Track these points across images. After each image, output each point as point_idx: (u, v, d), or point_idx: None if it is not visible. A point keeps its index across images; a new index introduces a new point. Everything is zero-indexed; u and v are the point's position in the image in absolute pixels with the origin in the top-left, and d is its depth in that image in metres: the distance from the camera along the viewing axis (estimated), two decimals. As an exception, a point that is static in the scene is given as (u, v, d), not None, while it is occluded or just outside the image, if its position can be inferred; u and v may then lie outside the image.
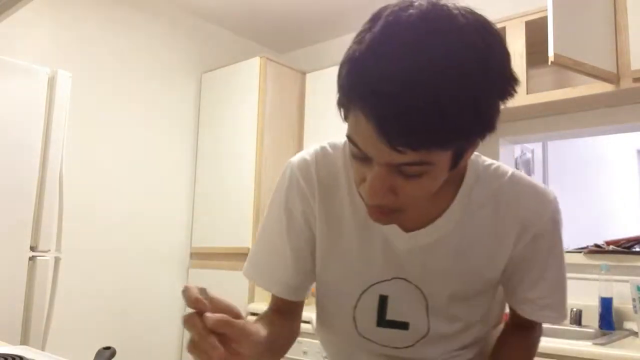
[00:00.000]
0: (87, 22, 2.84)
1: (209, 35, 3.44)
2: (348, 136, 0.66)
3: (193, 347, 0.58)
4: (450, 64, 0.56)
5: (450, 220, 0.80)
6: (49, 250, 2.15)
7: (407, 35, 0.57)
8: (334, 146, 0.87)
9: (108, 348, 1.14)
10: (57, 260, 2.17)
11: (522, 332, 0.92)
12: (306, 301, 0.95)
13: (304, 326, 0.98)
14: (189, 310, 0.59)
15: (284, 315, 0.90)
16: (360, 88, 0.60)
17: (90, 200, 2.77)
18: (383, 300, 0.85)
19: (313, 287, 0.94)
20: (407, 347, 0.87)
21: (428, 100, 0.55)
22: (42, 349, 2.06)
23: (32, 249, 2.11)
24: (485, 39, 0.60)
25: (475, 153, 0.84)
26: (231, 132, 3.13)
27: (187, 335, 0.60)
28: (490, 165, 0.84)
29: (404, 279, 0.83)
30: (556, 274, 0.85)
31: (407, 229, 0.81)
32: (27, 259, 2.09)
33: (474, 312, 0.88)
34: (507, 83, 0.62)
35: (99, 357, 1.11)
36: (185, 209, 3.25)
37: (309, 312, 1.01)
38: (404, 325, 0.85)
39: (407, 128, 0.57)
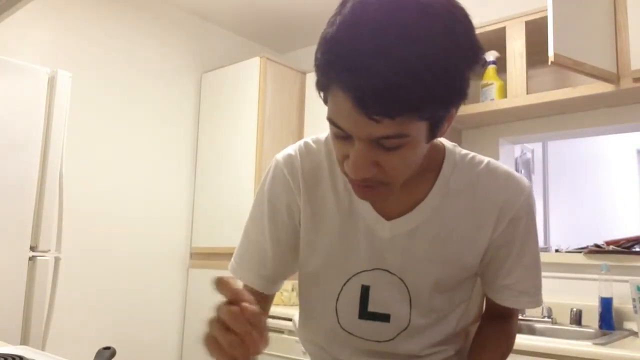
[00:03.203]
0: (87, 22, 2.84)
1: (209, 35, 3.44)
2: (329, 118, 0.69)
3: (223, 338, 0.60)
4: (419, 35, 0.60)
5: (429, 206, 0.83)
6: (49, 250, 2.15)
7: (376, 13, 0.61)
8: (316, 140, 0.90)
9: (108, 348, 1.14)
10: (57, 260, 2.17)
11: (499, 322, 0.94)
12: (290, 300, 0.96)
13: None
14: (218, 300, 0.61)
15: None
16: (336, 65, 0.63)
17: (90, 200, 2.77)
18: (365, 291, 0.86)
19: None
20: (388, 340, 0.87)
21: (400, 70, 0.59)
22: (42, 349, 2.06)
23: (32, 249, 2.11)
24: (449, 11, 0.64)
25: (453, 144, 0.88)
26: (231, 132, 3.13)
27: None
28: (466, 154, 0.87)
29: (386, 271, 0.84)
30: (531, 260, 0.88)
31: (388, 217, 0.83)
32: (27, 259, 2.09)
33: (454, 303, 0.90)
34: (473, 52, 0.66)
35: (99, 357, 1.11)
36: (185, 209, 3.25)
37: (294, 311, 1.01)
38: (385, 317, 0.86)
39: (382, 97, 0.60)
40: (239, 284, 0.62)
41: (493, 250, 0.86)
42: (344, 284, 0.87)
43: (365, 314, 0.87)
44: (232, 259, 0.93)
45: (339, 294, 0.88)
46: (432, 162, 0.84)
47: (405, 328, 0.87)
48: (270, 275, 0.90)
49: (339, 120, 0.67)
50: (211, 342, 0.61)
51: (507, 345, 0.94)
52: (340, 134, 0.68)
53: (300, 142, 0.91)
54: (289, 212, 0.88)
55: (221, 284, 0.61)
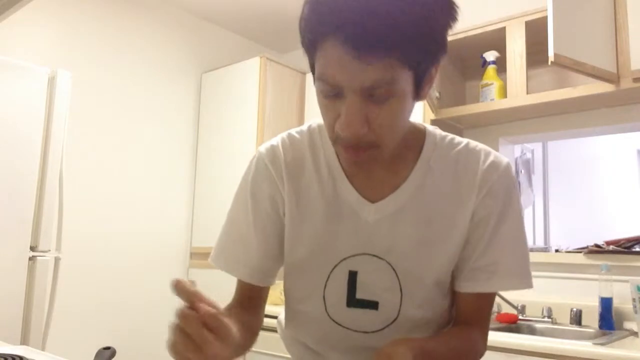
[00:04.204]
0: (87, 22, 2.84)
1: (209, 35, 3.44)
2: (318, 76, 0.71)
3: (181, 344, 0.59)
4: None
5: (412, 186, 0.84)
6: (49, 250, 2.15)
7: None
8: (299, 130, 0.91)
9: (108, 348, 1.14)
10: (57, 260, 2.17)
11: (460, 326, 0.89)
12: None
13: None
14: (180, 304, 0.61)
15: (247, 309, 0.90)
16: (325, 16, 0.67)
17: (90, 200, 2.77)
18: (352, 277, 0.85)
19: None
20: (376, 331, 0.86)
21: (388, 13, 0.64)
22: (42, 349, 2.06)
23: (32, 249, 2.11)
24: None
25: (433, 126, 0.90)
26: (231, 132, 3.13)
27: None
28: (446, 135, 0.89)
29: (374, 256, 0.84)
30: (509, 239, 0.84)
31: (372, 200, 0.84)
32: (27, 259, 2.09)
33: (442, 300, 0.88)
34: (451, 8, 0.71)
35: (99, 357, 1.11)
36: (185, 209, 3.25)
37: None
38: (374, 305, 0.85)
39: (373, 38, 0.64)
40: (196, 287, 0.61)
41: (471, 230, 0.84)
42: (331, 271, 0.86)
43: (353, 301, 0.86)
44: (214, 251, 0.92)
45: (326, 281, 0.87)
46: (413, 143, 0.85)
47: (395, 319, 0.85)
48: (257, 266, 0.89)
49: (330, 73, 0.68)
50: (172, 347, 0.60)
51: (462, 343, 0.85)
52: (330, 92, 0.70)
53: (284, 133, 0.91)
54: (272, 203, 0.88)
55: (177, 287, 0.60)
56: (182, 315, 0.60)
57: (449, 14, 0.70)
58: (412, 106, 0.75)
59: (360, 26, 0.64)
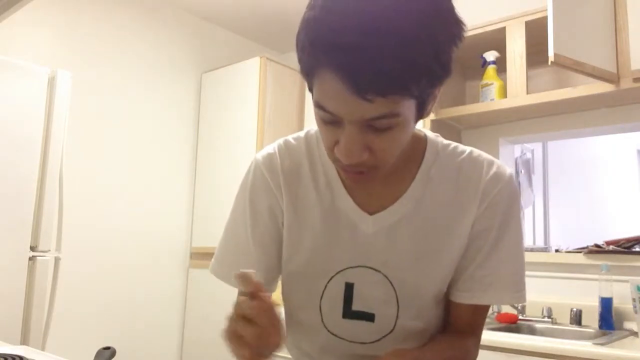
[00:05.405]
0: (88, 22, 2.85)
1: (209, 35, 3.44)
2: (316, 102, 0.67)
3: (248, 332, 0.62)
4: (405, 9, 0.59)
5: (411, 197, 0.81)
6: (49, 250, 2.15)
7: None
8: (297, 137, 0.89)
9: (108, 348, 1.14)
10: (57, 260, 2.17)
11: (455, 335, 0.87)
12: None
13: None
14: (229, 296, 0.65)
15: None
16: (323, 45, 0.61)
17: (90, 200, 2.77)
18: (349, 289, 0.84)
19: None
20: (373, 342, 0.85)
21: (390, 45, 0.58)
22: (42, 349, 2.06)
23: (32, 249, 2.11)
24: None
25: (435, 134, 0.87)
26: (231, 132, 3.13)
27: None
28: (448, 144, 0.86)
29: (371, 268, 0.83)
30: (509, 252, 0.83)
31: (371, 211, 0.82)
32: (27, 259, 2.09)
33: (438, 310, 0.87)
34: (457, 26, 0.65)
35: (99, 357, 1.12)
36: (185, 209, 3.25)
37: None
38: (370, 317, 0.84)
39: (374, 75, 0.59)
40: (260, 279, 0.65)
41: (470, 240, 0.82)
42: (328, 282, 0.85)
43: (349, 312, 0.85)
44: (214, 260, 0.91)
45: (322, 292, 0.86)
46: (414, 153, 0.83)
47: (392, 330, 0.84)
48: (259, 277, 0.86)
49: (328, 103, 0.65)
50: (233, 336, 0.63)
51: (456, 353, 0.84)
52: (329, 119, 0.67)
53: (280, 140, 0.89)
54: (270, 213, 0.87)
55: (243, 279, 0.64)
56: (250, 306, 0.63)
57: (458, 35, 0.65)
58: (414, 126, 0.72)
59: (359, 64, 0.58)
